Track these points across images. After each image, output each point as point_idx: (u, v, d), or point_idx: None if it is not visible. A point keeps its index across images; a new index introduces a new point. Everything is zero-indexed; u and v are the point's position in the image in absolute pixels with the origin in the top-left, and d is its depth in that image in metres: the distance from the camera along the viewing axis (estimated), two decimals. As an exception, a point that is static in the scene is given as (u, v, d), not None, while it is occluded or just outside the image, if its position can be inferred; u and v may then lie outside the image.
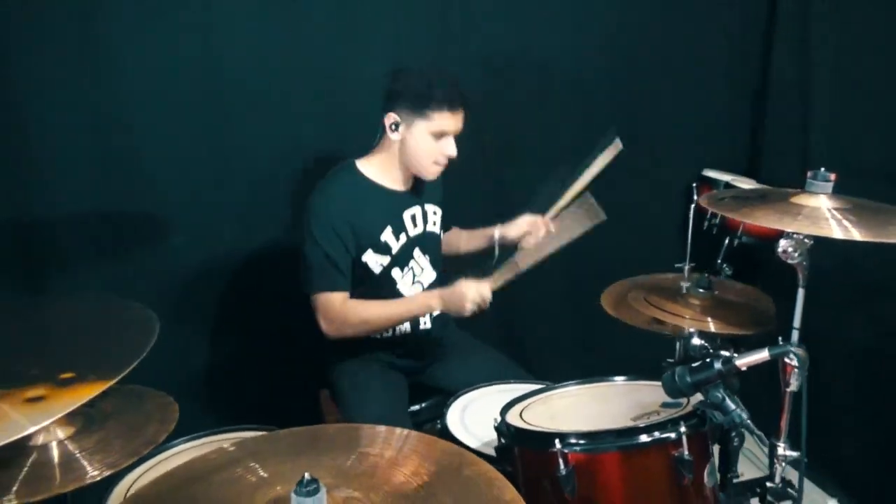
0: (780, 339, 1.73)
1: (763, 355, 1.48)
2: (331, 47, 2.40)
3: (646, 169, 2.80)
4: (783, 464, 1.82)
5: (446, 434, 1.91)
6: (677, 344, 2.10)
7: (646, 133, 2.78)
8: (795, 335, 1.78)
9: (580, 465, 1.49)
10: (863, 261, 2.19)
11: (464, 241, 2.44)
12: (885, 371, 2.17)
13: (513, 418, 1.67)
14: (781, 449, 1.81)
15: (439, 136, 2.02)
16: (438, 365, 2.34)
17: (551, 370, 2.28)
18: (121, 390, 1.58)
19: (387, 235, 2.13)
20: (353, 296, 2.11)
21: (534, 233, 2.18)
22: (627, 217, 2.75)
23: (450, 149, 2.05)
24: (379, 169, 2.15)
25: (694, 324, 1.90)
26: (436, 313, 2.26)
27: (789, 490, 1.83)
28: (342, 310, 2.07)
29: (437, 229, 2.29)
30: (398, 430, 1.40)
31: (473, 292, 1.97)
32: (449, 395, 2.12)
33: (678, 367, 1.53)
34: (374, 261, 2.13)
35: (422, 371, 2.33)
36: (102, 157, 2.22)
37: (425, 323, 2.26)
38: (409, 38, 2.48)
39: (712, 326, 1.93)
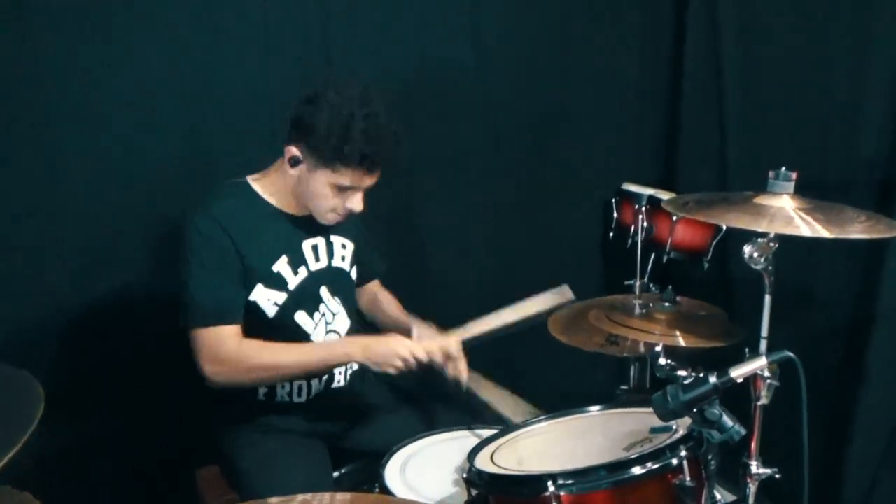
0: (746, 350, 1.68)
1: (760, 363, 1.38)
2: (194, 50, 2.15)
3: (559, 186, 2.76)
4: (757, 483, 1.72)
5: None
6: (631, 368, 2.01)
7: (558, 149, 2.75)
8: (763, 345, 1.70)
9: (576, 506, 1.35)
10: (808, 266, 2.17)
11: (381, 312, 2.20)
12: (829, 378, 2.16)
13: (485, 464, 1.48)
14: (755, 467, 1.70)
15: (344, 189, 1.79)
16: (361, 425, 2.08)
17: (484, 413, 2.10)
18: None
19: (280, 266, 1.86)
20: None
21: (447, 364, 1.88)
22: (541, 237, 2.69)
23: (355, 204, 1.82)
24: (274, 190, 1.89)
25: (664, 339, 1.82)
26: (352, 367, 2.03)
27: (764, 510, 1.73)
28: (237, 350, 1.77)
29: (346, 266, 2.02)
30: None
31: (405, 349, 1.77)
32: (374, 455, 1.88)
33: (669, 386, 1.43)
34: (266, 298, 1.84)
35: (341, 435, 2.06)
36: None
37: (339, 381, 2.01)
38: (288, 43, 2.26)
39: (682, 341, 1.87)
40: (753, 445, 1.70)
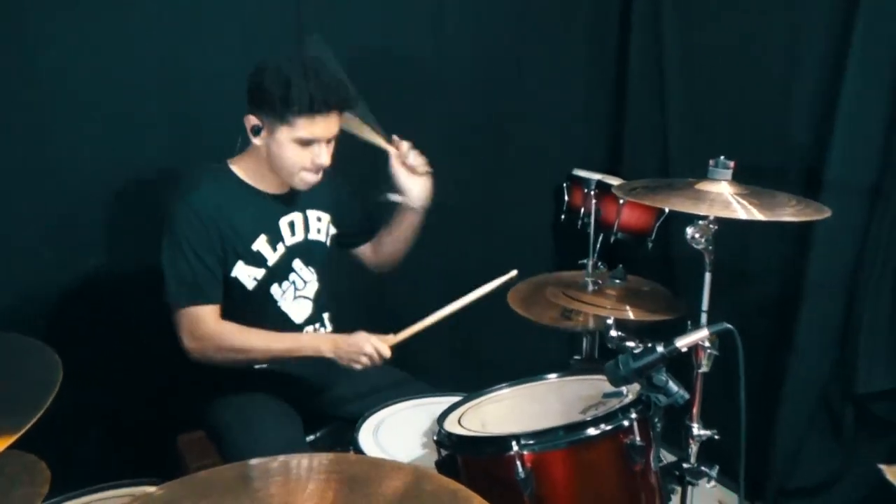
0: (689, 323, 1.74)
1: (703, 334, 1.44)
2: (172, 41, 2.11)
3: (511, 171, 2.77)
4: (697, 444, 1.79)
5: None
6: (584, 341, 2.07)
7: (510, 134, 2.75)
8: (704, 317, 1.78)
9: (538, 464, 1.40)
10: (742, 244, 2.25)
11: (387, 235, 2.16)
12: (762, 348, 2.25)
13: (453, 427, 1.52)
14: (696, 429, 1.78)
15: (306, 143, 1.76)
16: (332, 390, 2.09)
17: (449, 383, 2.13)
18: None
19: (260, 244, 1.87)
20: (229, 317, 1.84)
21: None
22: (497, 219, 2.71)
23: (320, 157, 1.78)
24: (251, 170, 1.88)
25: (615, 313, 1.86)
26: (321, 331, 2.06)
27: (703, 469, 1.80)
28: (216, 329, 1.80)
29: (322, 237, 2.02)
30: (321, 456, 1.23)
31: (370, 347, 1.79)
32: (347, 420, 1.93)
33: (620, 355, 1.46)
34: (246, 274, 1.86)
35: (312, 399, 2.07)
36: None
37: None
38: (261, 31, 2.24)
39: (631, 314, 1.93)
40: (695, 409, 1.78)
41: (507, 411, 1.65)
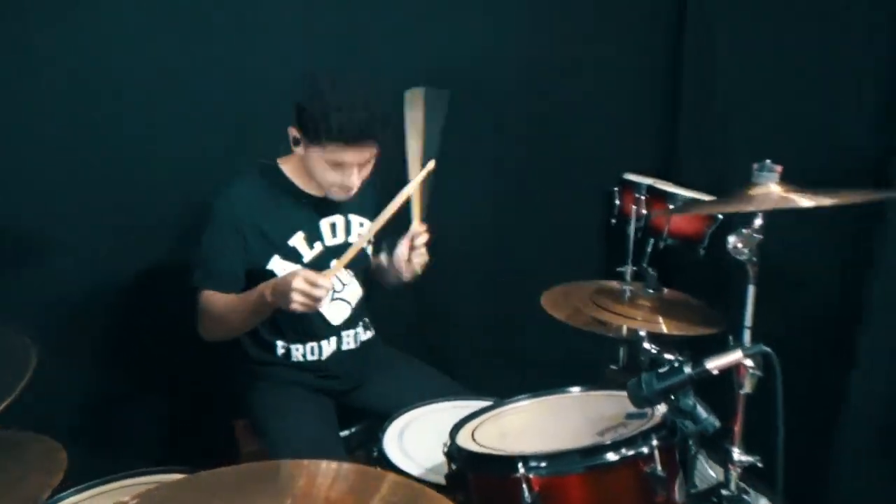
0: (730, 338, 1.61)
1: (736, 356, 1.30)
2: (235, 47, 2.13)
3: (561, 174, 2.67)
4: (738, 470, 1.65)
5: (384, 461, 1.66)
6: (620, 350, 1.93)
7: (559, 137, 2.65)
8: (747, 335, 1.63)
9: (546, 489, 1.29)
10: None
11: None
12: (808, 366, 2.06)
13: (465, 440, 1.45)
14: (737, 454, 1.63)
15: (337, 165, 1.74)
16: (367, 385, 2.08)
17: (486, 383, 2.07)
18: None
19: (297, 241, 1.87)
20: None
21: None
22: (546, 222, 2.62)
23: (350, 180, 1.76)
24: (298, 171, 1.89)
25: (645, 325, 1.73)
26: (363, 337, 2.04)
27: (745, 497, 1.65)
28: (204, 304, 1.81)
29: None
30: (337, 465, 1.14)
31: (300, 281, 1.57)
32: (381, 417, 1.88)
33: (644, 373, 1.34)
34: (282, 268, 1.85)
35: (348, 393, 2.06)
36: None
37: (348, 344, 2.01)
38: (317, 40, 2.23)
39: (664, 327, 1.75)
40: (737, 433, 1.63)
41: (524, 425, 1.55)
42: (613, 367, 1.88)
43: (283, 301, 1.60)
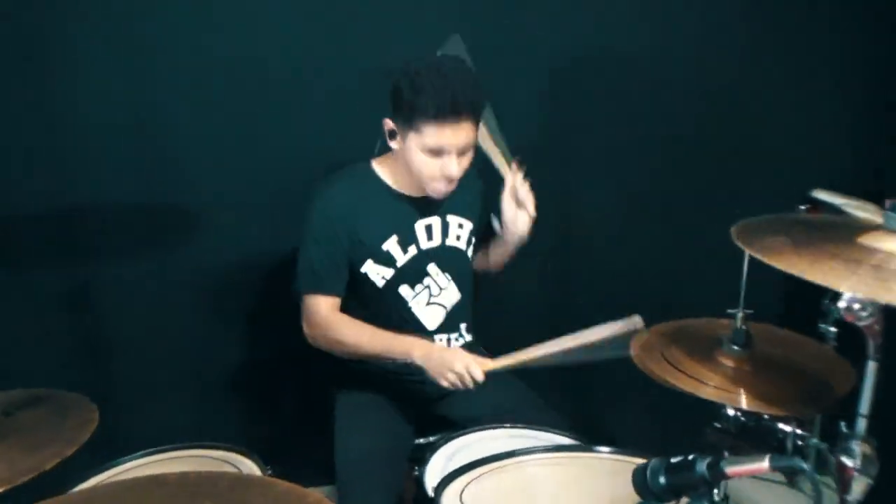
0: (842, 424, 1.20)
1: (762, 466, 0.94)
2: (369, 43, 2.10)
3: (734, 186, 2.31)
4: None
5: (421, 485, 1.49)
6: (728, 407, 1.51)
7: (736, 144, 2.31)
8: (862, 424, 1.19)
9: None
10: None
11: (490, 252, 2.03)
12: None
13: (450, 499, 1.22)
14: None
15: (436, 152, 1.63)
16: (456, 394, 1.89)
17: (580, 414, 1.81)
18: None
19: (390, 245, 1.80)
20: (361, 313, 1.79)
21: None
22: (710, 244, 2.20)
23: (450, 168, 1.65)
24: (392, 172, 1.82)
25: (718, 394, 1.32)
26: (458, 343, 1.93)
27: None
28: (326, 318, 1.77)
29: (461, 244, 1.90)
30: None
31: (461, 366, 1.62)
32: (460, 429, 1.75)
33: (653, 460, 1.03)
34: (375, 272, 1.80)
35: (436, 400, 1.94)
36: (141, 155, 2.10)
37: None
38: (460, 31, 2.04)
39: (743, 401, 1.31)
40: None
41: (531, 486, 1.30)
42: (717, 425, 1.48)
43: (435, 372, 1.65)
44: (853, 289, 1.01)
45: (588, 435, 1.63)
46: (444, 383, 1.65)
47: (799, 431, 1.46)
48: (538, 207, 1.80)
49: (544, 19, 2.14)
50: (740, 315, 1.45)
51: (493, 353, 1.94)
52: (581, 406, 2.38)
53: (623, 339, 1.51)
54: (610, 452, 1.34)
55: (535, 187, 1.78)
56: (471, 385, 1.63)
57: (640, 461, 1.28)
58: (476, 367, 1.63)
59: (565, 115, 2.23)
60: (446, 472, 1.48)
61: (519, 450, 1.38)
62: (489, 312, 2.08)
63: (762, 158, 2.29)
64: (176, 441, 1.66)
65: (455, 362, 1.63)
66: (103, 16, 1.95)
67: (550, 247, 2.34)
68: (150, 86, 2.03)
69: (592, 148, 2.28)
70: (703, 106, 2.26)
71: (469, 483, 1.31)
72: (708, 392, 1.31)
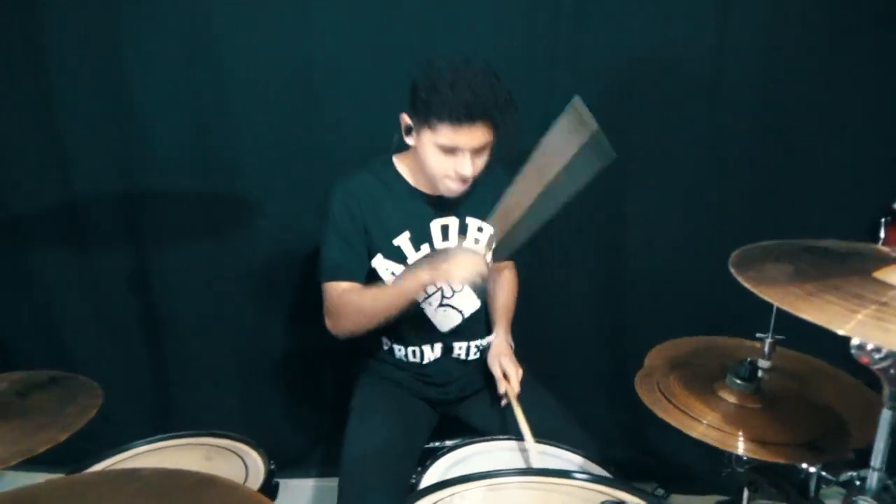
0: (854, 476, 1.06)
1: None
2: (427, 40, 2.04)
3: (804, 197, 2.11)
4: None
5: (416, 494, 1.43)
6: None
7: (805, 152, 2.10)
8: (874, 478, 1.04)
9: None
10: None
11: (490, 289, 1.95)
12: None
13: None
14: None
15: (449, 150, 1.57)
16: (476, 399, 1.90)
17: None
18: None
19: (401, 241, 1.72)
20: None
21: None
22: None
23: (463, 167, 1.58)
24: (412, 168, 1.75)
25: (714, 436, 1.13)
26: (478, 350, 1.86)
27: None
28: (338, 300, 1.70)
29: (478, 248, 1.79)
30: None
31: (462, 255, 1.56)
32: (478, 435, 1.69)
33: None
34: (384, 267, 1.73)
35: (454, 403, 1.90)
36: (201, 149, 2.14)
37: (459, 353, 1.85)
38: (511, 29, 2.06)
39: (741, 447, 1.13)
40: None
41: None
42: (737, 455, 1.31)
43: (446, 275, 1.55)
44: (847, 330, 0.85)
45: (612, 458, 1.52)
46: (458, 281, 1.62)
47: (824, 474, 1.28)
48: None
49: (600, 23, 2.04)
50: (769, 341, 1.29)
51: (525, 359, 1.87)
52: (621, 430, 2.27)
53: (590, 149, 1.38)
54: (586, 480, 1.20)
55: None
56: (484, 269, 1.55)
57: (620, 493, 1.18)
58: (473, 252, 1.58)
59: (624, 121, 2.08)
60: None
61: (493, 471, 1.28)
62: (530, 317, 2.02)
63: (836, 168, 2.07)
64: (218, 425, 1.68)
65: (457, 254, 1.57)
66: (171, 12, 2.01)
67: (595, 248, 2.25)
68: (211, 86, 2.08)
69: (644, 159, 2.14)
70: (772, 111, 2.08)
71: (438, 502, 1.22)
72: (699, 431, 1.13)
